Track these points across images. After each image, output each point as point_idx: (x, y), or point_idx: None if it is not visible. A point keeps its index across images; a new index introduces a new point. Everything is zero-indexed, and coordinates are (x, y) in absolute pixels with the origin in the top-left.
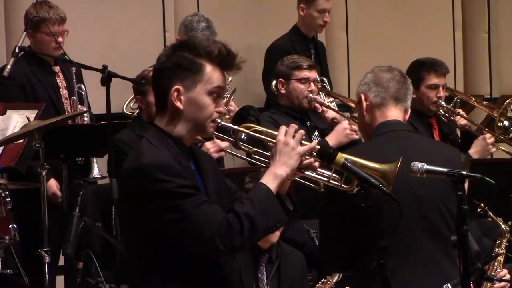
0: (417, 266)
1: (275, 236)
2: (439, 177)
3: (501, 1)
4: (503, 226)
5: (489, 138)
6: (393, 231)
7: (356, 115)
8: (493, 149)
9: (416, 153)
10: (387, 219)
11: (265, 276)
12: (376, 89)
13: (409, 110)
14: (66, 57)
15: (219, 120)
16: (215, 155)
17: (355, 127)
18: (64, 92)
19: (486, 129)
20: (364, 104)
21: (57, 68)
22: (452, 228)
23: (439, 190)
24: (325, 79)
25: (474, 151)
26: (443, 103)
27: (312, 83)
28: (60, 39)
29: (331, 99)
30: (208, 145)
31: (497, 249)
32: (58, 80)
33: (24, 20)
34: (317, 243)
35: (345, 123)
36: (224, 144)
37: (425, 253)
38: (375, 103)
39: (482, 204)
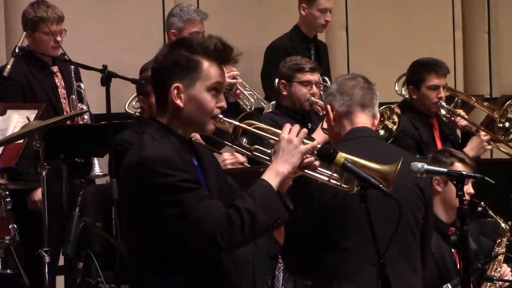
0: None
1: None
2: (409, 185)
3: (501, 1)
4: (503, 225)
5: (484, 135)
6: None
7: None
8: (488, 147)
9: (384, 160)
10: (352, 220)
11: (282, 275)
12: (341, 98)
13: (378, 115)
14: (66, 57)
15: (220, 116)
16: (230, 167)
17: None
18: (62, 92)
19: (482, 127)
20: (331, 114)
21: (55, 68)
22: (418, 238)
23: (407, 199)
24: (326, 79)
25: (469, 149)
26: (444, 103)
27: (314, 86)
28: (58, 38)
29: None
30: (226, 156)
31: (497, 248)
32: (56, 80)
33: (22, 20)
34: None
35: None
36: (242, 158)
37: (387, 260)
38: (342, 112)
39: (482, 203)
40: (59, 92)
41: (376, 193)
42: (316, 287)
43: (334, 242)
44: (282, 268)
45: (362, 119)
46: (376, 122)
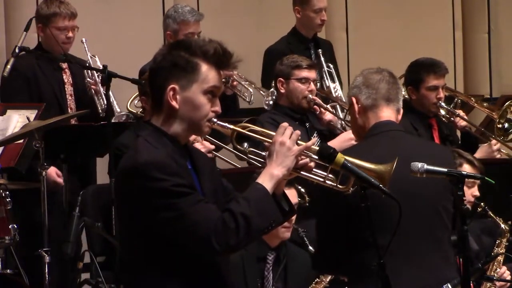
0: (410, 266)
1: (287, 233)
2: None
3: (501, 1)
4: (502, 225)
5: (494, 144)
6: (392, 231)
7: (349, 118)
8: (498, 156)
9: (410, 153)
10: (381, 218)
11: (271, 275)
12: (367, 91)
13: (401, 110)
14: (65, 56)
15: (215, 120)
16: None
17: None
18: (69, 88)
19: (493, 135)
20: (356, 107)
21: (64, 65)
22: (449, 227)
23: (436, 189)
24: (331, 65)
25: (478, 156)
26: (443, 104)
27: (311, 83)
28: (70, 34)
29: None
30: (197, 145)
31: (496, 248)
32: (64, 76)
33: (36, 16)
34: (306, 241)
35: (351, 132)
36: (211, 146)
37: (419, 253)
38: (367, 105)
39: (482, 204)
40: (66, 88)
41: (395, 190)
42: (349, 284)
43: (364, 239)
44: (271, 268)
45: (387, 113)
46: (399, 117)
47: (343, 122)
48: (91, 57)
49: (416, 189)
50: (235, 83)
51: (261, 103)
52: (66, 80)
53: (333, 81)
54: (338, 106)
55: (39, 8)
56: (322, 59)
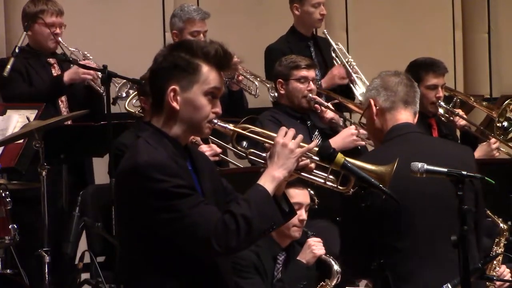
0: (435, 267)
1: (298, 233)
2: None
3: (501, 1)
4: (501, 225)
5: (493, 143)
6: (403, 233)
7: (364, 121)
8: (497, 154)
9: (430, 155)
10: (403, 221)
11: (280, 276)
12: (385, 93)
13: (418, 113)
14: (65, 56)
15: (215, 121)
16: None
17: (363, 131)
18: None
19: (492, 134)
20: (374, 109)
21: (53, 60)
22: (472, 226)
23: (453, 187)
24: (340, 44)
25: (477, 156)
26: (442, 103)
27: (311, 82)
28: (57, 31)
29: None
30: (204, 148)
31: (495, 247)
32: (53, 71)
33: (22, 15)
34: None
35: (352, 128)
36: (219, 149)
37: (442, 253)
38: (385, 107)
39: None
40: None
41: (413, 191)
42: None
43: (387, 243)
44: (280, 269)
45: (405, 116)
46: (416, 120)
47: (346, 122)
48: (73, 51)
49: (436, 188)
50: (240, 77)
51: (269, 103)
52: (55, 74)
53: (345, 57)
54: (358, 80)
55: (25, 7)
56: (329, 37)
